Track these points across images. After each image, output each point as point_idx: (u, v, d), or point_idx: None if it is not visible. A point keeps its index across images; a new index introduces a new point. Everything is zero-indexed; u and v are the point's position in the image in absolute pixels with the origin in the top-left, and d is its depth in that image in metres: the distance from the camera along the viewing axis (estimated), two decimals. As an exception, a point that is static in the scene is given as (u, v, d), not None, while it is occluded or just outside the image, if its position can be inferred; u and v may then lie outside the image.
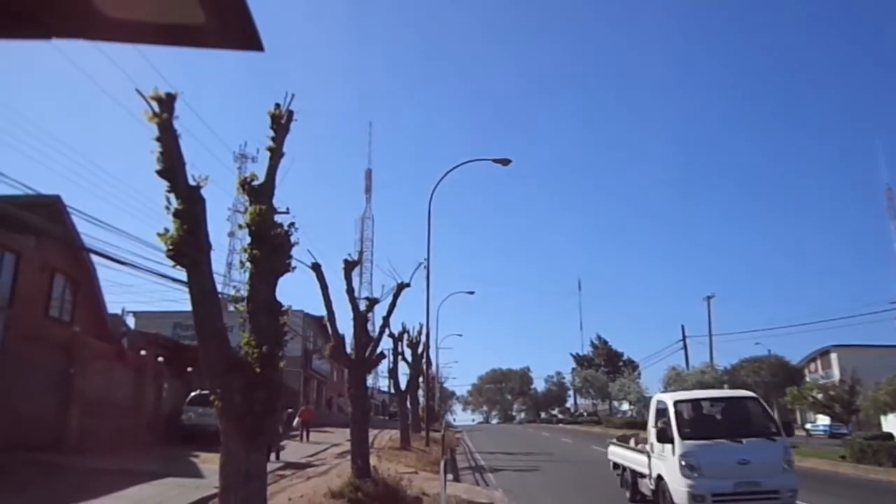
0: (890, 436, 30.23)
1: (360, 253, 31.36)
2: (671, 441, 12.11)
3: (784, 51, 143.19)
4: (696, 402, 13.89)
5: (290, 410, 24.10)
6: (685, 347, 59.53)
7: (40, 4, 1.65)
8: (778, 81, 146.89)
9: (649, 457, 13.42)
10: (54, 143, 59.82)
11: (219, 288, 8.23)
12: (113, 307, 30.99)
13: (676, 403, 13.05)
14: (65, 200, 20.41)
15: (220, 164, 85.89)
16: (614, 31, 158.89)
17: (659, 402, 14.08)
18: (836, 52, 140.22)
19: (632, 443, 17.16)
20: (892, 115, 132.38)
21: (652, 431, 13.45)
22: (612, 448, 18.36)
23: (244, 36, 1.69)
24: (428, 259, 28.27)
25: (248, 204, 8.28)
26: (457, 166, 30.44)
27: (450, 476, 18.32)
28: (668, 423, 12.55)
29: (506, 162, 29.79)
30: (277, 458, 22.45)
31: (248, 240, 8.10)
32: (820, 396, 40.98)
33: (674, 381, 52.40)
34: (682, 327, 60.78)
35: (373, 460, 18.37)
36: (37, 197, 18.35)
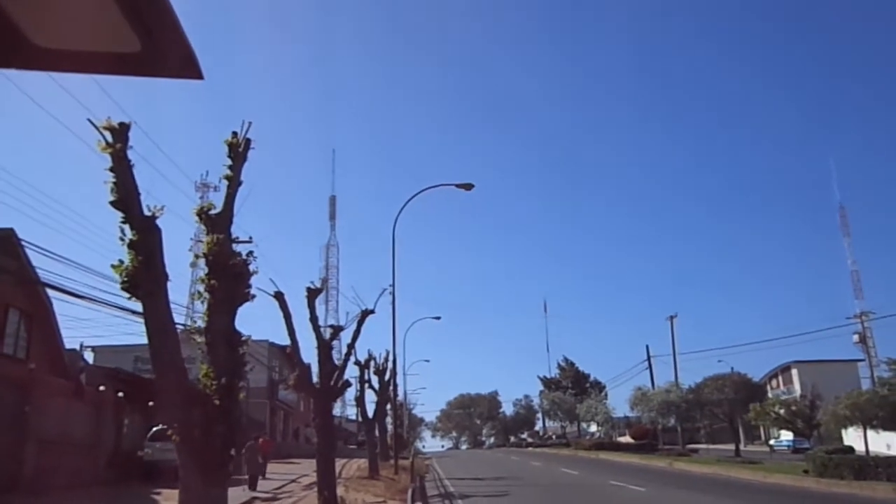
0: (851, 449, 30.81)
1: (324, 280, 31.01)
2: None
3: (742, 70, 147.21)
4: None
5: (251, 443, 23.71)
6: (650, 367, 60.07)
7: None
8: (735, 102, 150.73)
9: None
10: (4, 175, 58.59)
11: (182, 319, 8.07)
12: (71, 342, 30.21)
13: None
14: (18, 234, 19.99)
15: (182, 194, 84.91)
16: (577, 52, 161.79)
17: None
18: (790, 71, 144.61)
19: None
20: (843, 135, 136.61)
21: None
22: None
23: (182, 64, 1.68)
24: (393, 285, 28.20)
25: (205, 234, 8.17)
26: (420, 192, 30.51)
27: (418, 504, 18.10)
28: None
29: (468, 187, 29.91)
30: (252, 487, 22.33)
31: (206, 270, 7.98)
32: (782, 412, 41.71)
33: (640, 400, 52.73)
34: (647, 347, 61.30)
35: (340, 491, 18.10)
36: (-11, 231, 17.96)
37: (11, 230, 19.99)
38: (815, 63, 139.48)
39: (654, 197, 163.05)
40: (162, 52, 1.63)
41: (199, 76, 1.72)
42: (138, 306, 7.78)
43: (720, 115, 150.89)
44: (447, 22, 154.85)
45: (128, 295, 7.28)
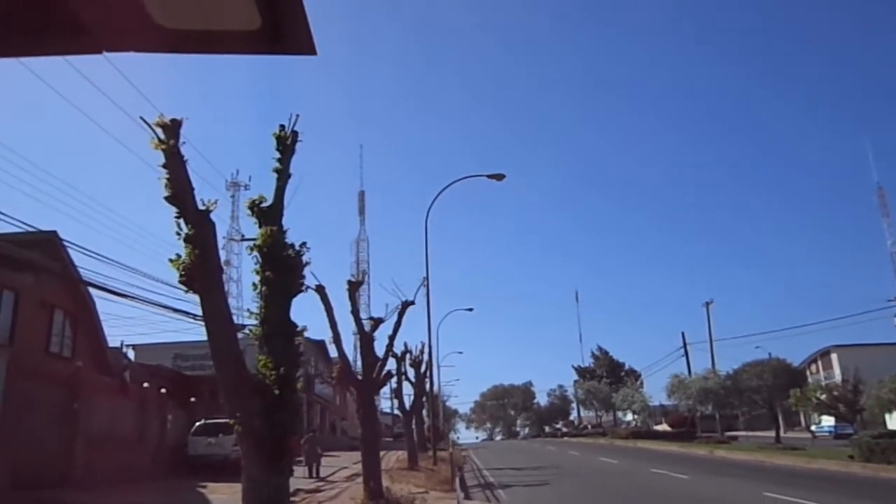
0: (896, 433, 30.22)
1: (365, 273, 31.20)
2: None
3: (775, 49, 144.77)
4: None
5: (310, 434, 24.25)
6: (686, 354, 59.41)
7: (95, 19, 1.64)
8: (772, 81, 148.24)
9: None
10: (44, 176, 59.77)
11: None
12: (111, 341, 30.75)
13: None
14: (61, 235, 20.42)
15: (214, 191, 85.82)
16: (609, 32, 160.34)
17: None
18: (824, 51, 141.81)
19: None
20: (879, 113, 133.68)
21: None
22: None
23: (299, 40, 1.68)
24: (427, 277, 28.22)
25: (257, 226, 8.24)
26: (451, 184, 30.46)
27: (461, 494, 18.21)
28: None
29: (499, 177, 29.84)
30: (312, 475, 23.85)
31: (260, 262, 8.06)
32: (824, 397, 41.01)
33: (677, 388, 52.24)
34: (683, 334, 60.56)
35: (385, 481, 18.22)
36: (34, 233, 18.32)
37: (54, 233, 20.39)
38: (849, 38, 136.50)
39: (688, 183, 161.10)
40: (281, 28, 1.63)
41: (314, 52, 1.72)
42: (178, 304, 7.90)
43: (755, 102, 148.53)
44: (471, 26, 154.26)
45: (185, 289, 7.39)
